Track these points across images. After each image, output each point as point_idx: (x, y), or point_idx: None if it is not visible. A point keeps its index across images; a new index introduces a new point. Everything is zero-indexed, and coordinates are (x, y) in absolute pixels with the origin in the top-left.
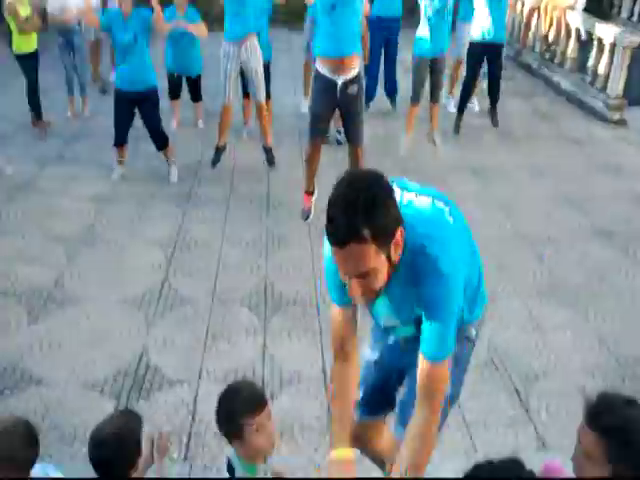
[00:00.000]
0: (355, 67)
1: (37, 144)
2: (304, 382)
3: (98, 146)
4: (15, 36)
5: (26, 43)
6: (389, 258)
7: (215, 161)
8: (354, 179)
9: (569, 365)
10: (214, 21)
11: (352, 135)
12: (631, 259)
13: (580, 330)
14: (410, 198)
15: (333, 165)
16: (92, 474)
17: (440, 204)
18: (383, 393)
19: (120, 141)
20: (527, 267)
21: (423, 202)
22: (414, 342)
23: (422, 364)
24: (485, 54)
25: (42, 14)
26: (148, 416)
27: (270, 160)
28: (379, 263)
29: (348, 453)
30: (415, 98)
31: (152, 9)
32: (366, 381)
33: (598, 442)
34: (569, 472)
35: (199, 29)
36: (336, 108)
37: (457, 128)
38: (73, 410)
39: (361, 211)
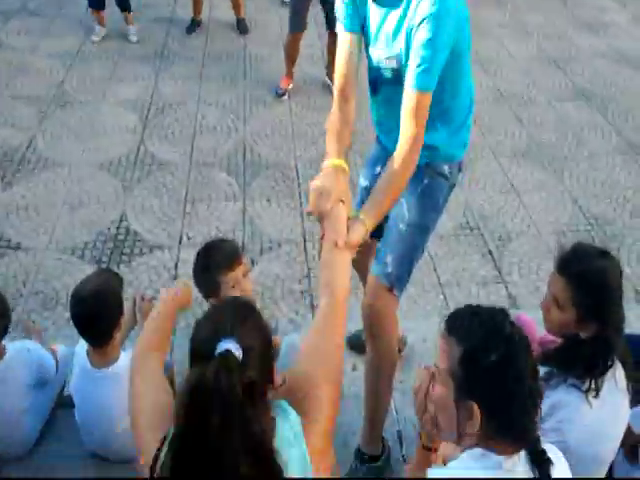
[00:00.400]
0: None
1: None
2: (284, 247)
3: None
4: None
5: None
6: None
7: (190, 30)
8: None
9: (542, 227)
10: None
11: (333, 21)
12: (609, 120)
13: (555, 191)
14: None
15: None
16: (76, 337)
17: None
18: None
19: (94, 4)
20: (506, 128)
21: None
22: None
23: (407, 92)
24: None
25: None
26: (129, 280)
27: (242, 29)
28: None
29: (342, 163)
30: None
31: None
32: (359, 205)
33: (566, 287)
34: (538, 324)
35: None
36: None
37: None
38: (54, 275)
39: None
